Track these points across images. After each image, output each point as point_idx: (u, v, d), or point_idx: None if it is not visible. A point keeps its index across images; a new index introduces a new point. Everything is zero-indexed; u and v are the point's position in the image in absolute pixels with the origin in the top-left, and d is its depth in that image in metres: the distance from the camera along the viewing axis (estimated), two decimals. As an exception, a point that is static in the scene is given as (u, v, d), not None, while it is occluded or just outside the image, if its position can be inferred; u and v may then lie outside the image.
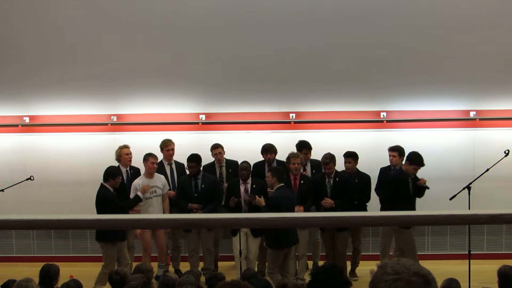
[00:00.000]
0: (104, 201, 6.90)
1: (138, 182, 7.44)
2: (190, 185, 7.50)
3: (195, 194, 7.47)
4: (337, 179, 7.30)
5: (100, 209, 6.91)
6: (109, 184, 6.98)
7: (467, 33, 8.10)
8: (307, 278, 4.85)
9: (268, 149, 7.70)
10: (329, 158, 7.24)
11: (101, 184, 7.02)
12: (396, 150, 7.49)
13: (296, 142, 7.83)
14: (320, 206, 7.27)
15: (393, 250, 7.49)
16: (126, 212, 7.02)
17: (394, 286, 1.67)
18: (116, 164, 7.69)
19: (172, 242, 7.93)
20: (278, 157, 7.76)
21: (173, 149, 7.86)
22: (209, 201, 7.44)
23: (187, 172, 7.66)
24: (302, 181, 7.34)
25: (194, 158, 7.47)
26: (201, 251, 7.62)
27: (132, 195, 7.41)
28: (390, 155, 7.53)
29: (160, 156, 7.81)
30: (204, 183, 7.48)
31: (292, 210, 6.75)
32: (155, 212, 7.41)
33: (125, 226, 5.57)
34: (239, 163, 7.54)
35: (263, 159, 7.77)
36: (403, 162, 7.23)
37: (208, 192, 7.47)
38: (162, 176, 7.64)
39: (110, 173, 7.01)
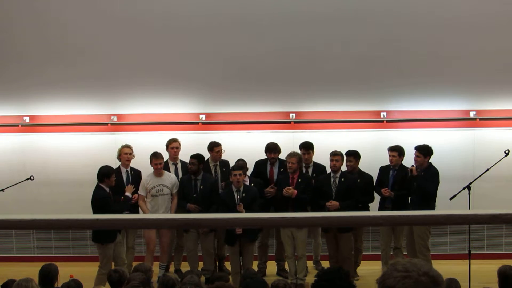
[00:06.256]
0: (99, 203, 6.84)
1: (146, 178, 7.48)
2: (190, 185, 7.48)
3: (194, 194, 7.44)
4: (342, 179, 7.28)
5: (96, 210, 6.86)
6: (105, 185, 6.92)
7: (467, 33, 8.10)
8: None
9: (272, 149, 7.68)
10: (339, 153, 7.25)
11: (97, 184, 6.95)
12: (396, 150, 7.45)
13: (296, 142, 7.81)
14: (323, 207, 7.12)
15: (392, 250, 7.54)
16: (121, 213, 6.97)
17: (403, 283, 1.69)
18: (117, 163, 7.68)
19: (177, 241, 7.86)
20: (279, 157, 7.75)
21: (177, 148, 7.81)
22: (208, 203, 7.37)
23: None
24: (299, 180, 7.27)
25: (196, 156, 7.46)
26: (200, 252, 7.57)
27: (140, 191, 7.45)
28: (390, 155, 7.47)
29: (166, 155, 7.76)
30: (203, 185, 7.46)
31: None
32: (160, 211, 7.40)
33: (125, 226, 5.58)
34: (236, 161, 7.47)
35: (265, 157, 7.76)
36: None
37: (207, 194, 7.43)
38: (173, 176, 7.62)
39: (104, 173, 6.91)
